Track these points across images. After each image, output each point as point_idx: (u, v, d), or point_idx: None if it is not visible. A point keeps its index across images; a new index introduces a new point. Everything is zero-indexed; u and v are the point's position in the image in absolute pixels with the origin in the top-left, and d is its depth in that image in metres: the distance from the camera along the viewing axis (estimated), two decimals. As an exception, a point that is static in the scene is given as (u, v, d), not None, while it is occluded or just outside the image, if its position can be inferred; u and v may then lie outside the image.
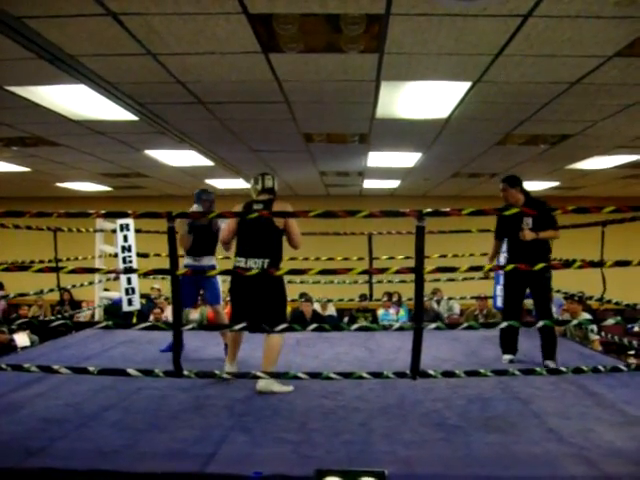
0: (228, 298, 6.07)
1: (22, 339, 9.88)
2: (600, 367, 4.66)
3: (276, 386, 5.18)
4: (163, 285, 12.21)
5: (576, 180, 12.22)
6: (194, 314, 10.51)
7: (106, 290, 9.79)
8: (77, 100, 6.53)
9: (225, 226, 5.66)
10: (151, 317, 10.50)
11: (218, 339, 6.74)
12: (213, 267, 6.55)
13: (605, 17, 4.31)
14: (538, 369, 4.61)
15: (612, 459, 3.65)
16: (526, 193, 6.22)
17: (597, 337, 8.21)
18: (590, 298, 7.11)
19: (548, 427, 4.25)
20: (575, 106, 6.75)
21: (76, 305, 13.59)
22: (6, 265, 4.81)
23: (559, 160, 9.95)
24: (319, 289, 11.58)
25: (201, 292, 6.87)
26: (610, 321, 4.77)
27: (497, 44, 4.89)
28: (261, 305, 5.21)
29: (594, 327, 7.39)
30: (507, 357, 6.43)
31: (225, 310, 7.08)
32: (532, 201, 6.13)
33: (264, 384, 5.15)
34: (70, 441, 3.99)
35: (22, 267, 5.07)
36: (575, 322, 4.80)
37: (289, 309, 11.80)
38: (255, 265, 5.21)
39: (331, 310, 13.00)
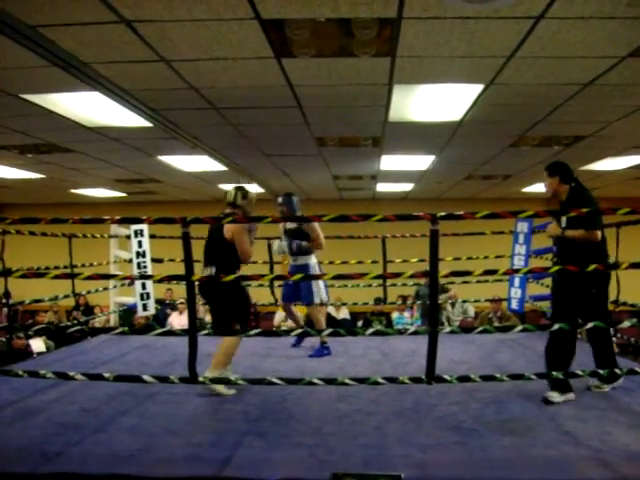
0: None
1: (38, 345, 9.94)
2: (616, 370, 4.63)
3: (218, 387, 5.26)
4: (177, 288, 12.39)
5: (590, 181, 12.15)
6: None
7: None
8: (91, 107, 6.58)
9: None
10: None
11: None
12: (307, 266, 7.03)
13: (618, 18, 4.29)
14: (554, 372, 4.58)
15: (629, 462, 3.62)
16: (574, 184, 5.14)
17: (613, 339, 8.15)
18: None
19: (564, 430, 4.23)
20: (588, 107, 6.72)
21: (90, 311, 13.66)
22: (23, 272, 4.84)
23: (573, 161, 9.76)
24: (332, 292, 11.58)
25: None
26: (626, 323, 4.72)
27: (509, 46, 4.89)
28: (214, 308, 5.74)
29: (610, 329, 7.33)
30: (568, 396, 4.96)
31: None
32: (575, 195, 5.07)
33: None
34: (86, 446, 4.01)
35: (38, 274, 5.11)
36: (591, 325, 4.73)
37: (302, 313, 11.82)
38: (208, 272, 5.56)
39: (345, 313, 13.00)
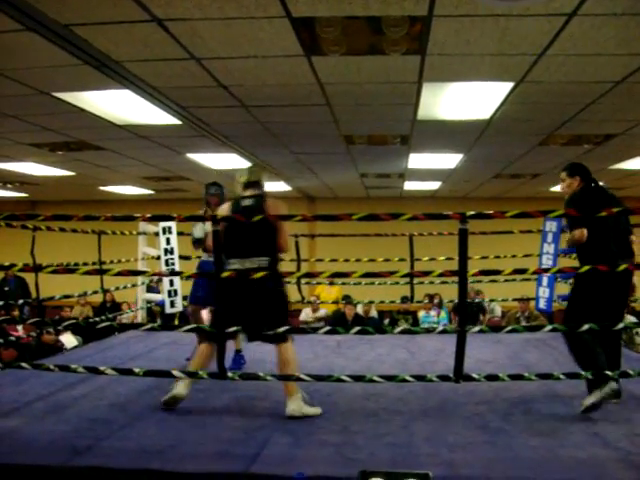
0: None
1: (69, 340, 10.05)
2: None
3: (308, 409, 4.59)
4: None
5: (621, 180, 12.03)
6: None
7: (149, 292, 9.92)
8: (122, 105, 6.63)
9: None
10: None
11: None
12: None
13: (652, 14, 4.24)
14: (583, 372, 4.54)
15: (660, 464, 3.59)
16: (587, 184, 4.99)
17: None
18: (635, 300, 6.98)
19: (593, 431, 4.19)
20: (620, 105, 6.64)
21: (117, 307, 13.73)
22: (53, 267, 4.89)
23: (603, 160, 9.80)
24: (359, 290, 11.57)
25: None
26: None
27: (540, 44, 4.85)
28: (262, 310, 4.64)
29: (639, 330, 7.26)
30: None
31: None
32: (582, 195, 4.90)
33: (295, 407, 4.53)
34: (115, 440, 4.05)
35: (69, 269, 5.15)
36: (621, 325, 4.68)
37: (331, 311, 11.81)
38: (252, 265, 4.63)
39: (373, 312, 12.99)
